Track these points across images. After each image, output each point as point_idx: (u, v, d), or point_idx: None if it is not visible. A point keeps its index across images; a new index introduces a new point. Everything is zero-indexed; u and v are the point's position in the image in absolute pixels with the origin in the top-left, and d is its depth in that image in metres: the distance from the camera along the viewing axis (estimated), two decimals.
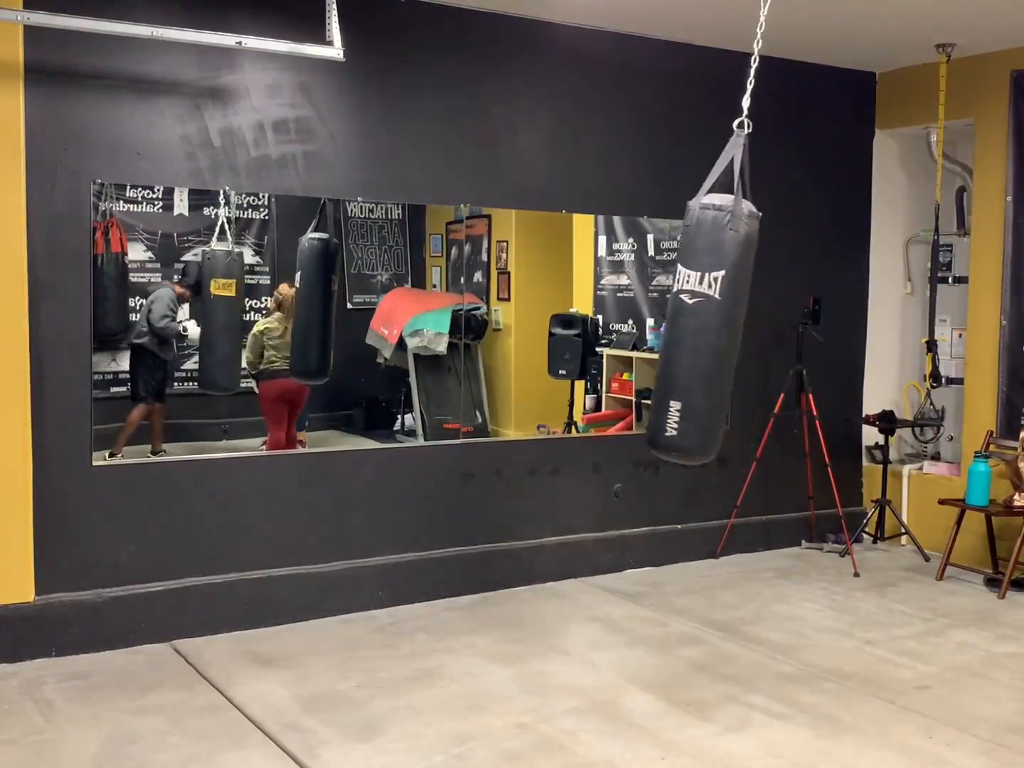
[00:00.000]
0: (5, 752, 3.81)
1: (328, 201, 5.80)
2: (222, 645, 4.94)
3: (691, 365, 3.80)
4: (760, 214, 3.79)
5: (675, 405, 3.77)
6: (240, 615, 5.11)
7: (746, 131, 3.71)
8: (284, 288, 6.16)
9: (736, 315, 3.83)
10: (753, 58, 3.73)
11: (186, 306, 5.90)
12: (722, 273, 3.71)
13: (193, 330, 5.88)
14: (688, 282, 3.76)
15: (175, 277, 5.87)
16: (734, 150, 3.73)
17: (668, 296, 4.02)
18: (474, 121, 5.68)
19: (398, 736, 3.97)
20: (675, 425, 3.77)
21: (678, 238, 4.02)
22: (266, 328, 6.10)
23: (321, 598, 5.32)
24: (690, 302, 3.75)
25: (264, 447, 6.08)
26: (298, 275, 6.00)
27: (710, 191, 3.76)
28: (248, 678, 4.53)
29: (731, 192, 3.72)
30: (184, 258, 5.95)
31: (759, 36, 3.76)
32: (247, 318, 6.16)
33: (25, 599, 4.70)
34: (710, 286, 3.72)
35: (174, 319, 5.76)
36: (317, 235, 5.87)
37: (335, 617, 5.31)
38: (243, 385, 6.08)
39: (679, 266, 3.82)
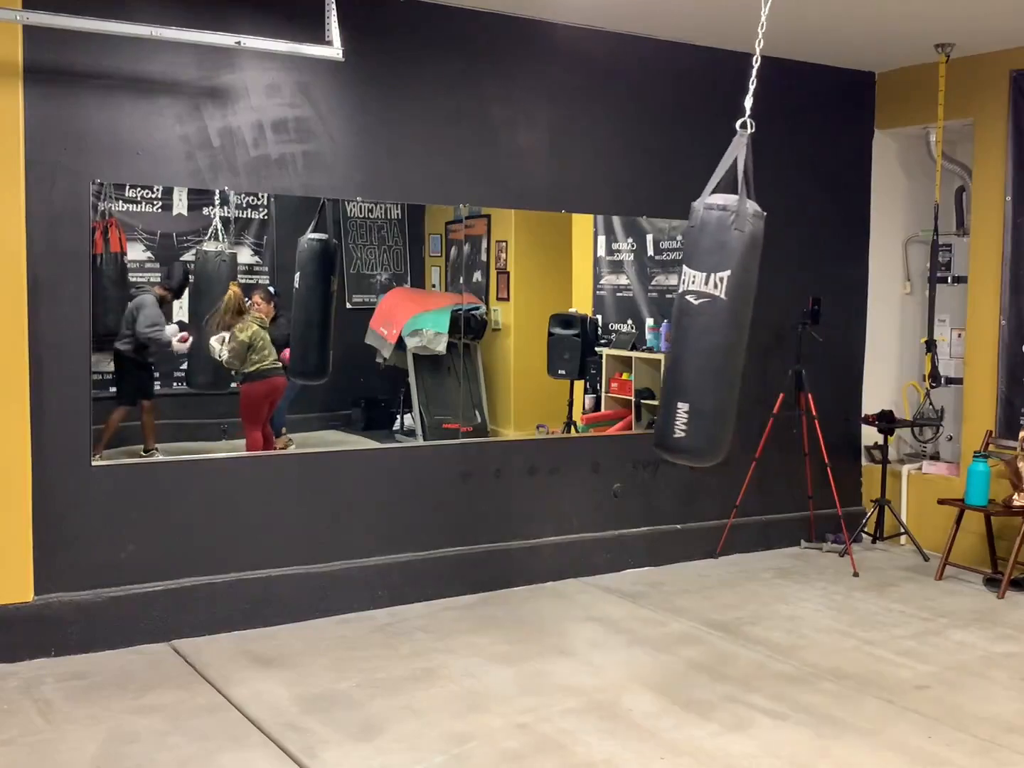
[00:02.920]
0: (4, 752, 3.81)
1: (327, 201, 5.79)
2: (222, 645, 4.93)
3: (698, 365, 3.76)
4: (765, 213, 3.78)
5: (682, 406, 3.71)
6: (240, 615, 5.11)
7: (749, 131, 3.70)
8: (236, 288, 6.00)
9: (742, 315, 3.79)
10: (755, 58, 3.73)
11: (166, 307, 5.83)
12: (727, 273, 3.68)
13: (171, 332, 5.79)
14: (693, 283, 3.72)
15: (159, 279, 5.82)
16: (738, 150, 3.71)
17: (674, 297, 3.97)
18: (474, 121, 5.68)
19: (397, 736, 3.97)
20: (683, 426, 3.71)
21: (682, 239, 3.96)
22: (252, 332, 5.99)
23: (321, 598, 5.32)
24: (696, 303, 3.72)
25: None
26: (297, 275, 5.95)
27: (714, 191, 3.75)
28: (248, 678, 4.53)
29: (735, 192, 3.72)
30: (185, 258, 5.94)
31: (760, 36, 3.76)
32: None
33: (24, 599, 4.70)
34: (716, 286, 3.69)
35: (162, 327, 5.67)
36: (316, 235, 5.84)
37: (335, 617, 5.31)
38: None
39: (684, 267, 3.78)
